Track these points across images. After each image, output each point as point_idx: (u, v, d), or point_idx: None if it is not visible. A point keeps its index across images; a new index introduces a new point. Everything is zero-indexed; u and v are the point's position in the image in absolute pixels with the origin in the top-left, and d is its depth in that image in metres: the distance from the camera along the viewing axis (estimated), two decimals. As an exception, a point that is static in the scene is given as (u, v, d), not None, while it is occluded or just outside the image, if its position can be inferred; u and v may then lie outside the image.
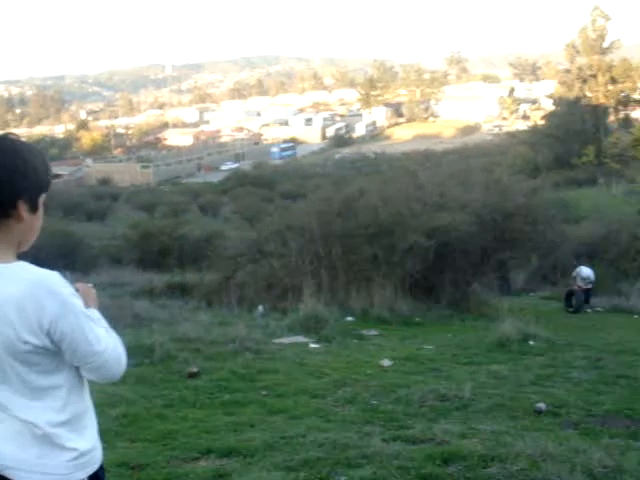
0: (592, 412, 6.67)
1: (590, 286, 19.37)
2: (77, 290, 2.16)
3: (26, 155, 2.08)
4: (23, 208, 2.06)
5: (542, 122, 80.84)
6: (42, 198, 2.14)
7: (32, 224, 2.13)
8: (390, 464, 4.74)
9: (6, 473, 2.07)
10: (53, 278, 2.03)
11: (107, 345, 2.14)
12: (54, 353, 2.07)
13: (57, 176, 79.47)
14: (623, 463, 4.74)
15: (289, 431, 5.62)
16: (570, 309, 18.94)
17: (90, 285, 2.31)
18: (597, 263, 22.83)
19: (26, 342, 2.01)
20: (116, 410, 6.09)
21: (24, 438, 2.08)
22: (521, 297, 21.89)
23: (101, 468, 2.23)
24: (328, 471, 4.69)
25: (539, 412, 6.54)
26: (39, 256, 2.09)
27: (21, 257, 2.12)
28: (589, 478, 4.46)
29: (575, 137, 68.85)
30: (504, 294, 21.95)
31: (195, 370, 7.74)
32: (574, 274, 19.60)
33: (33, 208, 2.10)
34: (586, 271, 19.53)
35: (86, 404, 2.21)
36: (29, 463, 2.07)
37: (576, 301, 18.93)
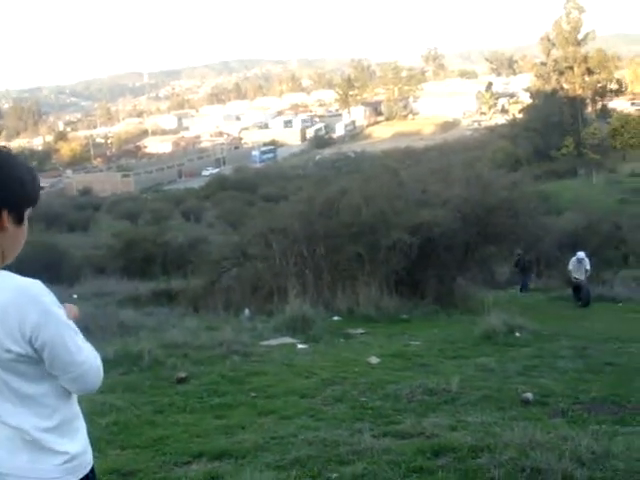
0: (579, 400, 6.74)
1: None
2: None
3: (11, 167, 2.09)
4: (7, 219, 2.07)
5: (520, 116, 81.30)
6: (28, 212, 2.15)
7: (16, 236, 2.13)
8: (381, 459, 4.78)
9: None
10: (36, 286, 2.04)
11: (87, 356, 2.14)
12: (38, 361, 2.07)
13: (38, 188, 79.08)
14: (611, 448, 4.80)
15: (280, 431, 5.65)
16: (579, 302, 18.25)
17: (73, 305, 2.31)
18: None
19: (9, 350, 2.01)
20: (106, 418, 6.08)
21: (14, 444, 2.09)
22: (506, 290, 22.01)
23: (92, 471, 2.23)
24: (319, 469, 4.72)
25: (527, 402, 6.59)
26: (22, 268, 2.10)
27: (4, 269, 2.12)
28: (578, 464, 4.50)
29: (554, 129, 69.37)
30: (524, 289, 22.14)
31: (184, 375, 7.73)
32: (570, 267, 18.82)
33: (18, 220, 2.12)
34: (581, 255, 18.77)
35: (75, 409, 2.22)
36: (20, 468, 2.09)
37: (584, 294, 18.19)
